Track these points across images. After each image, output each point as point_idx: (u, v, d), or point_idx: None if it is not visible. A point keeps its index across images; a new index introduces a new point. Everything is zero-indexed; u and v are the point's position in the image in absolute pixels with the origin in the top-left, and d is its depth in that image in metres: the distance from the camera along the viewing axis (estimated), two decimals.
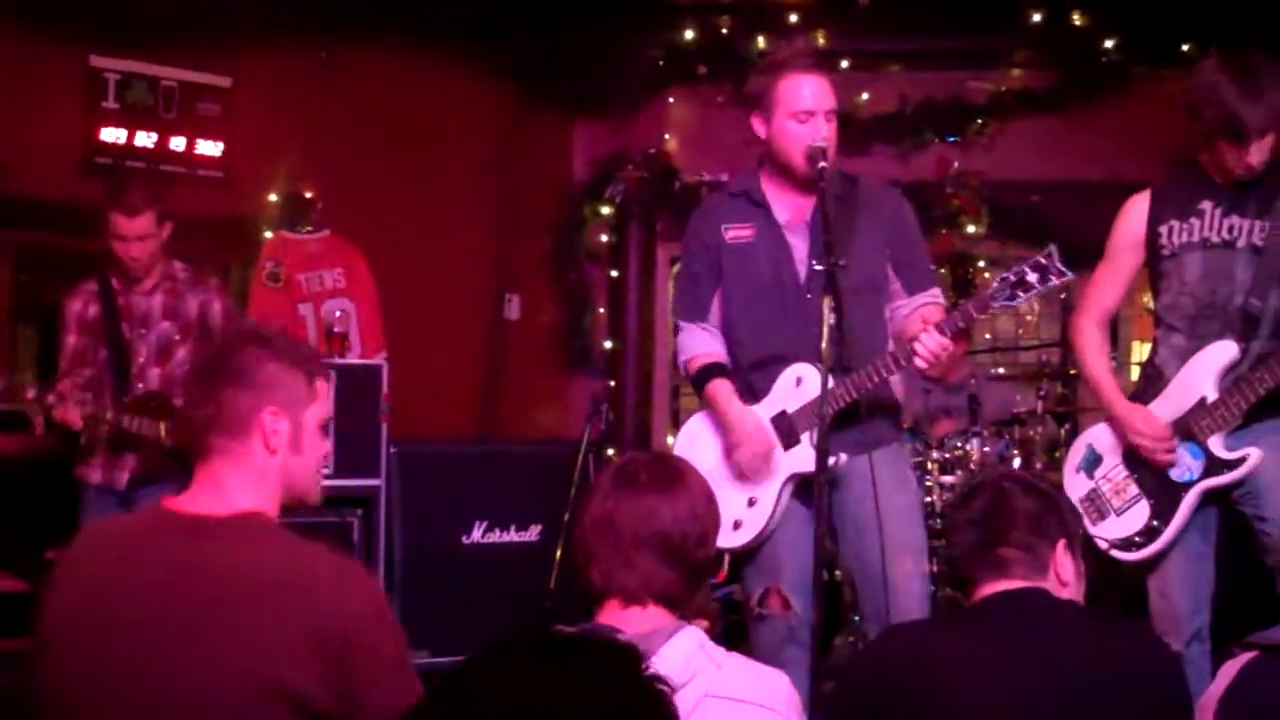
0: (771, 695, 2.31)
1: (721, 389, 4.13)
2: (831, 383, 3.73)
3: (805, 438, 3.95)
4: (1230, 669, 2.54)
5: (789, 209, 4.08)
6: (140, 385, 5.07)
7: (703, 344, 4.22)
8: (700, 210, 4.46)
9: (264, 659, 2.13)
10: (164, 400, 5.02)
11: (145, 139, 6.47)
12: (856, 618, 5.78)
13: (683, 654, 2.25)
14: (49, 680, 2.25)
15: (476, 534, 5.96)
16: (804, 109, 3.93)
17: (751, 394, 4.11)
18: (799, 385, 4.00)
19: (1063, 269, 3.71)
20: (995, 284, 3.78)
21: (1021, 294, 3.75)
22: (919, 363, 3.79)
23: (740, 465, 4.03)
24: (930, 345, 3.76)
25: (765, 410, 4.06)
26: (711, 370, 4.17)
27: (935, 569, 5.45)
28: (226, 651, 2.14)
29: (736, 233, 4.13)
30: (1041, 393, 6.66)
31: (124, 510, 4.92)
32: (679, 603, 2.38)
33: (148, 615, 2.19)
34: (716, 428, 4.19)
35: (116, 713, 2.17)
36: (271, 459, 2.37)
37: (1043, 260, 3.73)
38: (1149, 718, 2.52)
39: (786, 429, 4.01)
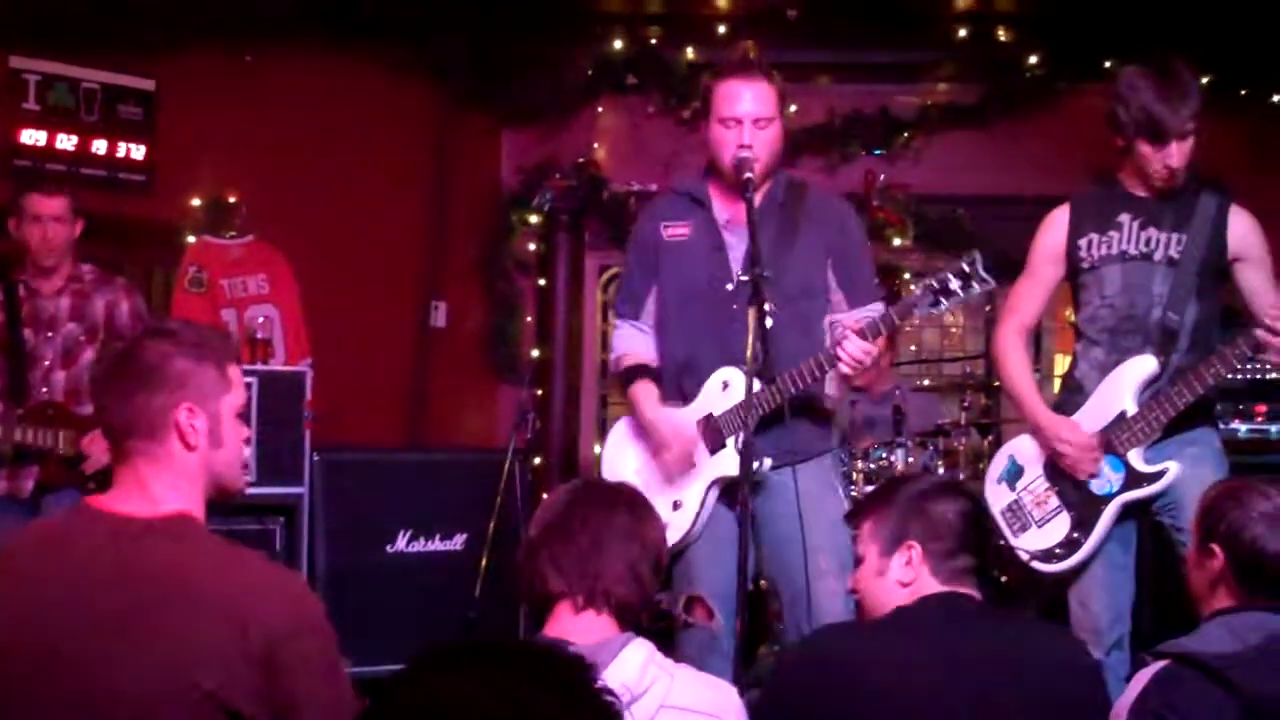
0: (724, 707, 2.34)
1: (642, 391, 4.15)
2: (758, 387, 3.74)
3: (730, 442, 3.96)
4: (1141, 678, 2.58)
5: (729, 209, 4.09)
6: (44, 390, 5.02)
7: (632, 343, 4.24)
8: (644, 207, 4.48)
9: (193, 665, 2.10)
10: (61, 409, 5.00)
11: (66, 141, 6.36)
12: (782, 627, 5.80)
13: (638, 664, 2.27)
14: None
15: (401, 543, 5.91)
16: (731, 115, 3.95)
17: (681, 396, 4.11)
18: (725, 389, 4.01)
19: (985, 276, 3.72)
20: (919, 291, 3.79)
21: (944, 300, 3.76)
22: (842, 368, 3.79)
23: (666, 466, 4.03)
24: (852, 350, 3.76)
25: (692, 414, 4.08)
26: (636, 371, 4.18)
27: None
28: (155, 656, 2.10)
29: (674, 230, 4.16)
30: (965, 404, 6.72)
31: (31, 518, 4.85)
32: (630, 616, 2.41)
33: (77, 618, 2.15)
34: (639, 432, 4.20)
35: (47, 715, 2.12)
36: (191, 455, 2.32)
37: (966, 268, 3.73)
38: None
39: (712, 433, 4.02)
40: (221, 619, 2.13)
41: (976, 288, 3.74)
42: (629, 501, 2.53)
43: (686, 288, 4.12)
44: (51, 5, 6.08)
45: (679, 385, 4.13)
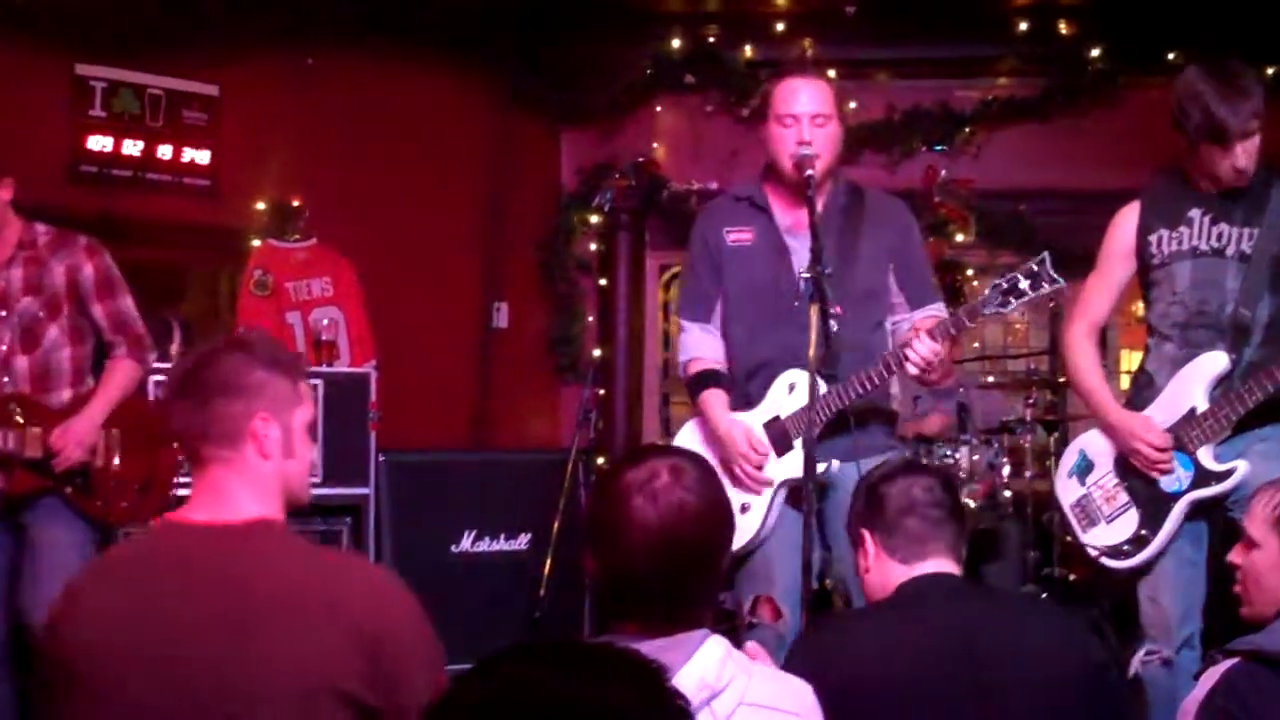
0: (801, 703, 2.29)
1: (714, 400, 4.14)
2: (824, 389, 3.76)
3: (798, 444, 3.96)
4: (1211, 675, 2.55)
5: (790, 215, 4.10)
6: (5, 380, 4.38)
7: (703, 347, 4.23)
8: (704, 212, 4.48)
9: (310, 662, 2.16)
10: (26, 401, 4.38)
11: (132, 147, 6.42)
12: None
13: (716, 661, 2.22)
14: (81, 712, 2.23)
15: (466, 543, 5.95)
16: (788, 113, 3.96)
17: (747, 400, 4.12)
18: (792, 391, 4.02)
19: (1054, 276, 3.79)
20: (987, 291, 3.85)
21: (1013, 300, 3.83)
22: (910, 368, 3.83)
23: (738, 478, 4.02)
24: (921, 351, 3.80)
25: (759, 416, 4.08)
26: (707, 378, 4.18)
27: None
28: (267, 655, 2.16)
29: (737, 235, 4.16)
30: (1030, 401, 6.67)
31: (6, 534, 4.40)
32: (702, 619, 2.36)
33: (185, 626, 2.19)
34: (708, 437, 4.19)
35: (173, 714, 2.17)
36: (266, 464, 2.37)
37: (1035, 267, 3.80)
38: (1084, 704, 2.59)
39: (780, 435, 4.03)
40: (325, 613, 2.19)
41: (1045, 287, 3.81)
42: (681, 489, 2.32)
43: (751, 293, 4.13)
44: (115, 13, 6.15)
45: (745, 389, 4.14)
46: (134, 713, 2.18)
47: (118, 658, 2.20)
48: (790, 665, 2.63)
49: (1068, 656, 2.64)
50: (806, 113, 3.95)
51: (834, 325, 3.67)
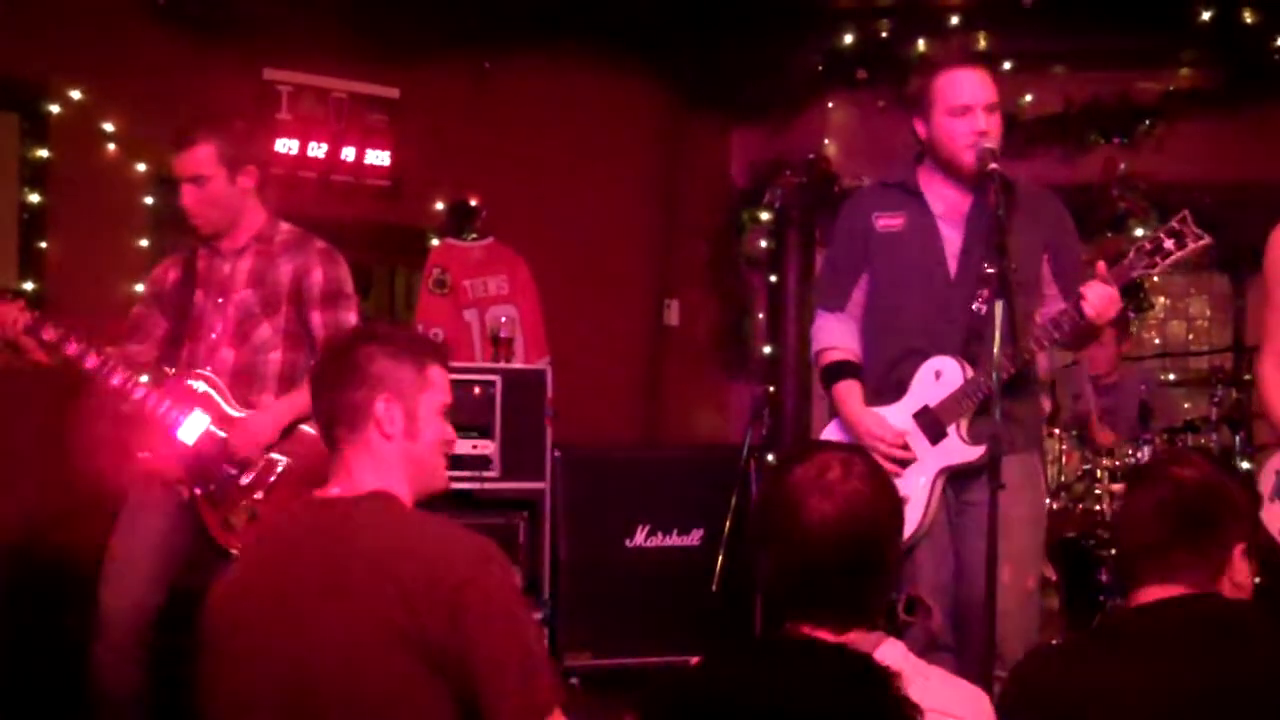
0: (979, 712, 2.28)
1: (846, 391, 4.13)
2: (971, 372, 3.84)
3: (951, 429, 3.95)
4: None
5: (944, 202, 4.07)
6: (207, 369, 4.17)
7: (836, 336, 4.21)
8: (852, 197, 4.47)
9: (389, 609, 2.34)
10: (209, 397, 4.15)
11: (316, 149, 6.60)
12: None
13: (894, 664, 2.22)
14: (212, 673, 2.50)
15: (639, 537, 6.00)
16: (961, 104, 3.93)
17: (896, 388, 4.08)
18: (939, 379, 3.99)
19: (1199, 231, 3.70)
20: (1131, 253, 3.78)
21: (1160, 260, 3.74)
22: (1087, 308, 3.74)
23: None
24: (1100, 292, 3.73)
25: (906, 407, 4.04)
26: (841, 370, 4.17)
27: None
28: (357, 606, 2.37)
29: (887, 221, 4.13)
30: (1215, 399, 6.51)
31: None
32: (874, 617, 2.35)
33: (290, 589, 2.45)
34: (846, 434, 4.17)
35: (268, 677, 2.40)
36: (388, 444, 2.61)
37: (1177, 226, 3.71)
38: None
39: (931, 423, 4.00)
40: (414, 569, 2.37)
41: (1191, 244, 3.71)
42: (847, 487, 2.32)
43: (901, 277, 4.09)
44: (301, 20, 6.32)
45: (890, 376, 4.09)
46: (240, 674, 2.44)
47: (240, 623, 2.47)
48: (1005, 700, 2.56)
49: None
50: (981, 102, 3.92)
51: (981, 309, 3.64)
